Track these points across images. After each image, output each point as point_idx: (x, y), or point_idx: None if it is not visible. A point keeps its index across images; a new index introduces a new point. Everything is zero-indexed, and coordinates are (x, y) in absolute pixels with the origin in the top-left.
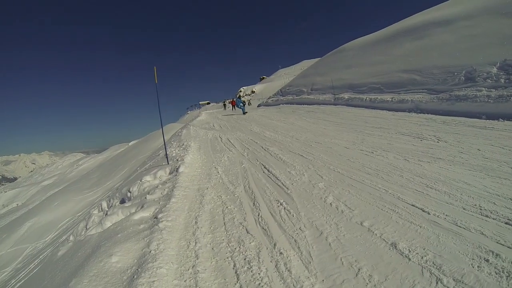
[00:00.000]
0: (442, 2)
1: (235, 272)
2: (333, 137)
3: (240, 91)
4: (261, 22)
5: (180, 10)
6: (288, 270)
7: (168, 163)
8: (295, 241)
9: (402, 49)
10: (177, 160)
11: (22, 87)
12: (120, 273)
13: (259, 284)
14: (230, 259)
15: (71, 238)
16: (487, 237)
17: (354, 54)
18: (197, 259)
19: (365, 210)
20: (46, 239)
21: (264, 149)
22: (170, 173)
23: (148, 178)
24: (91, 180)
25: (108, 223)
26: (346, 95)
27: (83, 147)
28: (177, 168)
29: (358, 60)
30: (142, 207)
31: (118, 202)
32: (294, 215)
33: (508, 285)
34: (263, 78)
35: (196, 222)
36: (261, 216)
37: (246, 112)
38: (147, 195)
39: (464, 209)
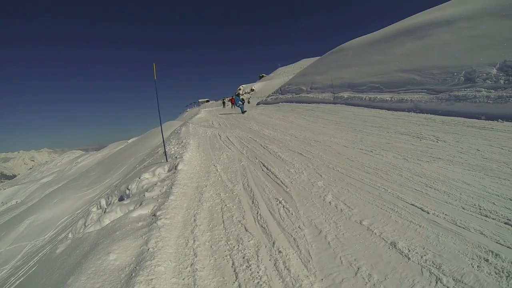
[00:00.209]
0: (442, 2)
1: (234, 271)
2: (332, 136)
3: (240, 89)
4: (261, 21)
5: (180, 8)
6: (287, 269)
7: (167, 161)
8: (294, 239)
9: (402, 48)
10: (176, 157)
11: (20, 84)
12: (118, 271)
13: (258, 282)
14: (228, 257)
15: (70, 235)
16: (487, 237)
17: (353, 53)
18: (196, 257)
19: (364, 209)
20: (45, 236)
21: (263, 147)
22: (169, 171)
23: (147, 175)
24: (90, 178)
25: (106, 221)
26: (345, 94)
27: (82, 144)
28: (176, 166)
29: (357, 59)
30: (141, 204)
31: (117, 200)
32: (293, 213)
33: (508, 285)
34: (263, 76)
35: (194, 220)
36: (260, 214)
37: (245, 111)
38: (146, 192)
39: (463, 208)
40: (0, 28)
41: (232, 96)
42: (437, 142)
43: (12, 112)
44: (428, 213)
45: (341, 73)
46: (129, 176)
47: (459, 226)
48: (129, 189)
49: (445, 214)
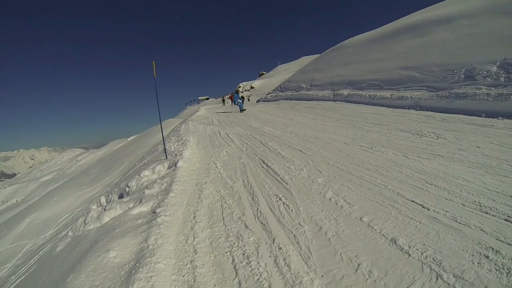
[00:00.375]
0: (442, 0)
1: (234, 267)
2: (332, 133)
3: (239, 87)
4: (261, 18)
5: (181, 5)
6: (287, 265)
7: (166, 158)
8: (294, 236)
9: (402, 46)
10: (176, 154)
11: (20, 83)
12: (118, 268)
13: (258, 279)
14: (228, 254)
15: (70, 233)
16: (487, 233)
17: (353, 51)
18: (196, 254)
19: (364, 205)
20: (46, 235)
21: (263, 144)
22: (168, 168)
23: (146, 173)
24: (90, 176)
25: (106, 218)
26: (345, 92)
27: (82, 142)
28: (175, 163)
29: (357, 56)
30: (140, 201)
31: (117, 197)
32: (293, 210)
33: (509, 281)
34: (263, 73)
35: (194, 217)
36: (260, 211)
37: (245, 110)
38: (146, 189)
39: (463, 205)
40: (0, 28)
41: (232, 93)
42: (437, 139)
43: (12, 111)
44: (428, 209)
45: (341, 70)
46: (129, 174)
47: (460, 223)
48: (128, 187)
49: (446, 211)
